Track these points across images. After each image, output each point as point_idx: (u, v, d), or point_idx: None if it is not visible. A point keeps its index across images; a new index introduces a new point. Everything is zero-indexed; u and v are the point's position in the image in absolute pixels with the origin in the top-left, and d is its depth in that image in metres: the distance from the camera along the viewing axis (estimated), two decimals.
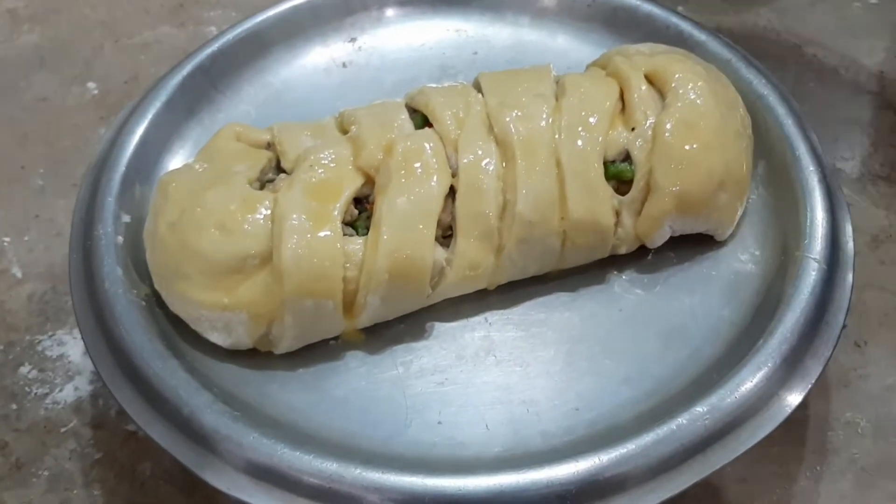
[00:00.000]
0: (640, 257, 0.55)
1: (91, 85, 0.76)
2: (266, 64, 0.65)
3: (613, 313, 0.53)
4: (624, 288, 0.54)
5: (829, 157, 0.57)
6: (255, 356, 0.51)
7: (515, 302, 0.54)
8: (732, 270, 0.54)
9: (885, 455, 0.54)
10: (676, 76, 0.54)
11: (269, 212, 0.49)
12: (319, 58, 0.66)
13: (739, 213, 0.54)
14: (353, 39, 0.67)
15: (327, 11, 0.67)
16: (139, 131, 0.58)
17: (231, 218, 0.49)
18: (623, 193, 0.53)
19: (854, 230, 0.54)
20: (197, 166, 0.53)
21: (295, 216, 0.49)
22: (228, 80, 0.63)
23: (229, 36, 0.64)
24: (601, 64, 0.58)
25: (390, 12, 0.68)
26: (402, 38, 0.67)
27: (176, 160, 0.59)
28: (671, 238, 0.55)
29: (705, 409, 0.45)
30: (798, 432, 0.55)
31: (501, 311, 0.53)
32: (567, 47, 0.66)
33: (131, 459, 0.54)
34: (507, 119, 0.52)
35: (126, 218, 0.54)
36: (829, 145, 0.57)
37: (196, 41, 0.73)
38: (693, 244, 0.55)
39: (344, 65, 0.66)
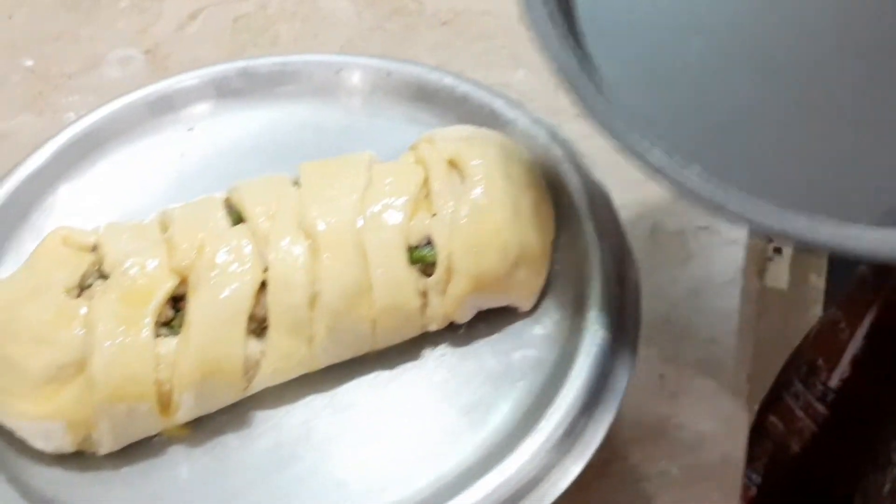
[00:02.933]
0: (454, 331, 0.58)
1: None
2: (103, 159, 0.67)
3: (426, 389, 0.56)
4: (437, 363, 0.57)
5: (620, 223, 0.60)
6: (81, 457, 0.52)
7: (335, 384, 0.56)
8: (535, 339, 0.57)
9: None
10: (472, 163, 0.57)
11: (84, 319, 0.52)
12: (157, 150, 0.67)
13: (539, 286, 0.58)
14: (190, 129, 0.69)
15: (162, 104, 0.69)
16: None
17: (46, 329, 0.52)
18: (430, 275, 0.56)
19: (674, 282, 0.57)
20: (21, 275, 0.56)
21: (106, 323, 0.51)
22: (63, 180, 0.65)
23: (63, 139, 0.66)
24: (413, 148, 0.62)
25: (227, 100, 0.70)
26: (238, 126, 0.69)
27: (7, 268, 0.60)
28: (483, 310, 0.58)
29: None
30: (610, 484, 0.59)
31: (321, 395, 0.56)
32: (394, 129, 0.68)
33: None
34: (315, 213, 0.56)
35: None
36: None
37: (54, 128, 0.75)
38: (502, 314, 0.58)
39: (182, 155, 0.68)
